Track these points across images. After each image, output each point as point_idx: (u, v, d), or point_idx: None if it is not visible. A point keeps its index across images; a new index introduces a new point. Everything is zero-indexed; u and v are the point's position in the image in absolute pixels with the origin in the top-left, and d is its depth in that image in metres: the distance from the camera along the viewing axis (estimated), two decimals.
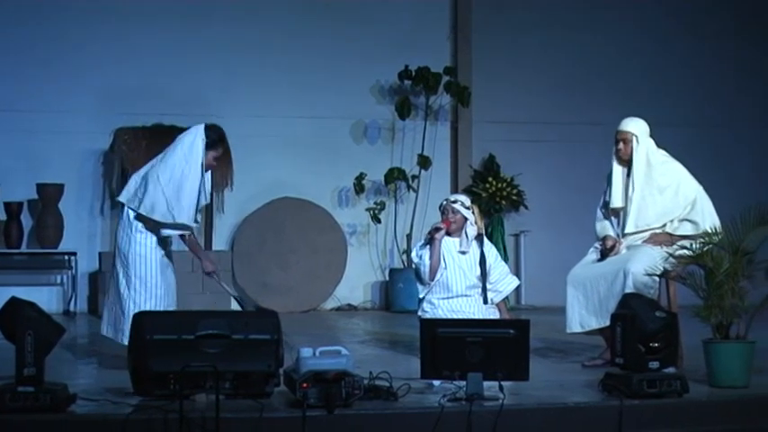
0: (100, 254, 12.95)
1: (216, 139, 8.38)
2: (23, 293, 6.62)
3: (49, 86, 13.16)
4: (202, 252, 8.91)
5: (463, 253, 8.60)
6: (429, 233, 8.68)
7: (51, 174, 13.00)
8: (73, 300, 12.95)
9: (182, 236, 8.38)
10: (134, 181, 8.41)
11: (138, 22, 13.37)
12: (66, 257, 13.08)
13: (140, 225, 8.28)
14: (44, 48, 13.16)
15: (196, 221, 8.42)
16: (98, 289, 12.89)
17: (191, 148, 8.29)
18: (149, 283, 8.25)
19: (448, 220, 8.59)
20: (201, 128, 8.38)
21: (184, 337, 6.28)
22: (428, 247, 8.62)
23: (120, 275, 8.33)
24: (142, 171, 8.43)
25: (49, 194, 12.86)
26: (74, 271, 13.00)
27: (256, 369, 6.36)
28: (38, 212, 12.97)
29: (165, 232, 8.28)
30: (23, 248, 12.96)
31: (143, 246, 8.27)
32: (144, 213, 8.21)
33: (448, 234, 8.63)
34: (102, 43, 13.28)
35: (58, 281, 13.30)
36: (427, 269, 8.54)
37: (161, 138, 12.83)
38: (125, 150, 12.87)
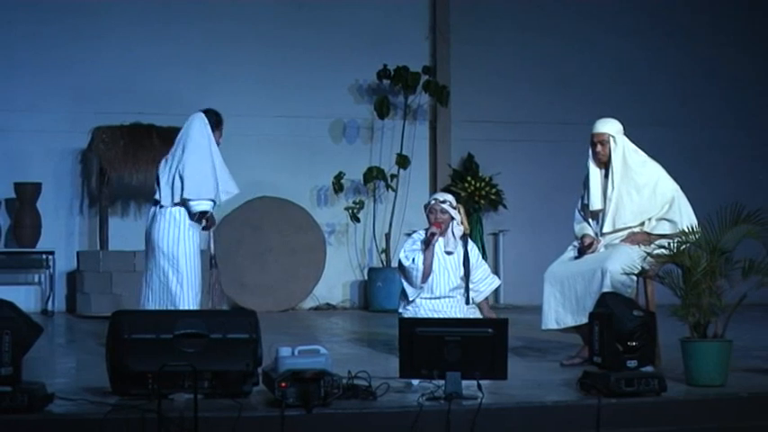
0: (78, 253, 12.92)
1: (217, 120, 8.95)
2: (1, 293, 6.60)
3: (27, 85, 13.13)
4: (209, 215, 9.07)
5: (449, 253, 8.59)
6: (427, 238, 8.55)
7: (29, 173, 12.97)
8: (51, 299, 12.92)
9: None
10: (163, 182, 8.76)
11: (116, 20, 13.36)
12: (44, 257, 13.05)
13: (186, 224, 8.66)
14: (21, 46, 13.12)
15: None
16: (76, 288, 12.87)
17: (201, 131, 8.79)
18: (196, 281, 8.72)
19: (438, 222, 8.54)
20: (201, 114, 8.90)
21: (162, 337, 6.27)
22: (420, 250, 8.57)
23: (171, 275, 8.62)
24: (164, 173, 8.78)
25: (26, 193, 12.82)
26: (51, 270, 12.97)
27: (234, 368, 6.35)
28: (15, 211, 12.93)
29: (201, 207, 8.63)
30: (1, 248, 12.95)
31: (191, 244, 8.70)
32: (193, 197, 8.62)
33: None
34: (79, 42, 13.26)
35: (36, 280, 13.27)
36: (420, 273, 8.50)
37: (139, 136, 12.88)
38: (103, 149, 12.85)
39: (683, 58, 14.90)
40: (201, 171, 8.68)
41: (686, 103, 14.88)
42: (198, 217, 8.71)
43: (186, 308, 8.42)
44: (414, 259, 8.53)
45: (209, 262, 9.40)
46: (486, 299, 8.82)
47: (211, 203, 8.76)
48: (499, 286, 13.86)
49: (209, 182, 8.69)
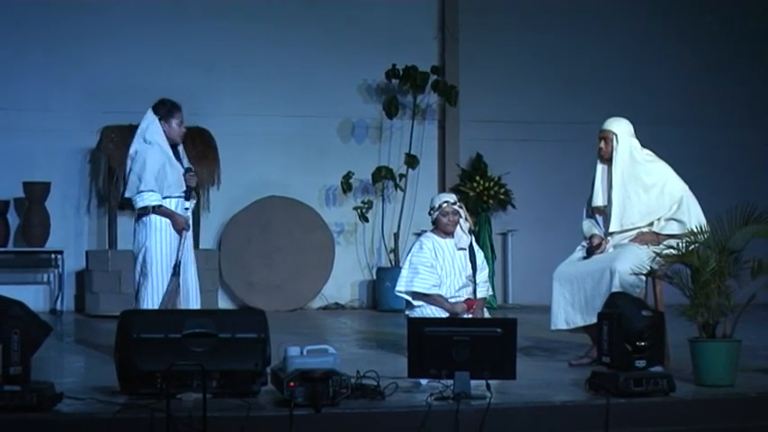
0: (87, 252, 12.93)
1: (166, 110, 8.62)
2: (10, 292, 6.60)
3: (36, 85, 13.14)
4: (174, 215, 8.61)
5: (462, 249, 8.58)
6: (455, 311, 8.37)
7: (38, 172, 12.98)
8: (59, 298, 12.93)
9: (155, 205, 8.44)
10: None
11: (125, 20, 13.36)
12: (53, 256, 13.06)
13: (149, 225, 8.41)
14: (31, 46, 13.14)
15: (189, 198, 8.55)
16: (84, 287, 12.88)
17: (146, 130, 8.57)
18: (160, 284, 8.44)
19: (470, 301, 8.44)
20: (149, 110, 8.66)
21: (171, 336, 6.28)
22: (427, 302, 8.46)
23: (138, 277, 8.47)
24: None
25: (35, 193, 12.83)
26: (60, 269, 12.98)
27: (243, 368, 6.35)
28: (24, 211, 12.94)
29: (141, 203, 8.41)
30: (10, 247, 12.95)
31: (154, 246, 8.43)
32: (128, 195, 8.47)
33: (446, 234, 8.61)
34: (88, 41, 13.27)
35: (45, 279, 13.28)
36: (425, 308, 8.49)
37: None
38: (112, 148, 12.85)
39: (692, 58, 14.87)
40: (134, 170, 8.45)
41: (696, 103, 14.86)
42: (145, 212, 8.44)
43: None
44: (421, 307, 8.44)
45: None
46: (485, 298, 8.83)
47: (152, 197, 8.39)
48: (507, 286, 14.12)
49: (145, 178, 8.39)
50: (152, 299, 8.35)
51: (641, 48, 14.71)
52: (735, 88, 14.95)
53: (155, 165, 8.43)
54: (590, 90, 14.35)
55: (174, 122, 8.60)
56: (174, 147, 8.60)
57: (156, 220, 8.42)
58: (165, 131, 8.56)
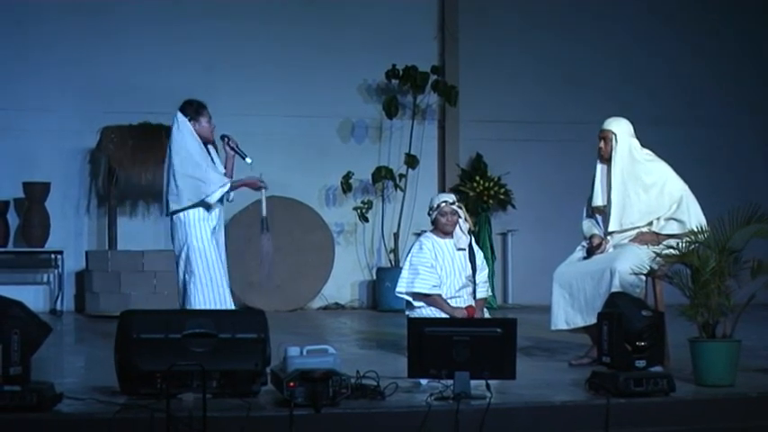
0: (86, 252, 12.93)
1: (194, 110, 8.74)
2: (10, 292, 6.60)
3: (36, 85, 13.14)
4: (244, 181, 9.04)
5: (462, 249, 8.58)
6: (453, 314, 8.36)
7: (38, 172, 12.98)
8: (59, 298, 12.93)
9: (228, 191, 8.70)
10: (164, 192, 8.73)
11: (125, 20, 13.36)
12: (53, 256, 13.07)
13: (190, 222, 8.58)
14: (31, 46, 13.14)
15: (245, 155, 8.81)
16: (84, 288, 12.88)
17: (178, 132, 8.64)
18: (212, 278, 8.64)
19: (470, 308, 8.48)
20: (178, 111, 8.73)
21: (171, 336, 6.27)
22: (427, 303, 8.48)
23: (186, 277, 8.63)
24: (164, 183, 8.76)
25: (35, 193, 12.83)
26: (60, 270, 12.98)
27: (243, 368, 6.35)
28: (24, 211, 12.94)
29: (212, 199, 8.56)
30: (10, 247, 12.95)
31: (200, 243, 8.61)
32: (181, 206, 8.54)
33: (445, 234, 8.61)
34: (88, 41, 13.27)
35: (45, 280, 13.28)
36: (425, 309, 8.50)
37: (147, 136, 12.90)
38: (112, 149, 12.86)
39: (693, 58, 14.87)
40: (185, 174, 8.58)
41: (696, 103, 14.85)
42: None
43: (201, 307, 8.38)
44: (420, 308, 8.46)
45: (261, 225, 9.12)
46: (485, 299, 8.83)
47: (218, 190, 8.62)
48: (507, 286, 14.11)
49: (192, 184, 8.57)
50: (201, 295, 8.51)
51: (642, 47, 14.70)
52: (736, 88, 14.94)
53: (202, 160, 8.60)
54: (590, 90, 14.35)
55: (204, 120, 8.74)
56: (205, 146, 8.77)
57: (193, 216, 8.54)
58: (196, 131, 8.68)
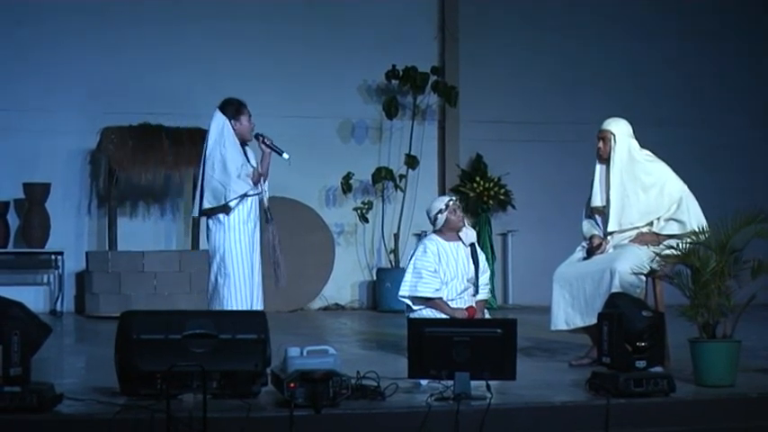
0: (87, 253, 12.92)
1: (234, 109, 8.82)
2: (10, 293, 6.60)
3: (36, 85, 13.13)
4: (263, 166, 9.04)
5: (471, 244, 8.60)
6: (454, 316, 8.38)
7: (38, 173, 12.97)
8: (59, 299, 12.92)
9: (255, 184, 8.78)
10: (197, 194, 8.82)
11: (124, 20, 13.35)
12: (53, 257, 13.06)
13: (226, 225, 8.67)
14: (30, 46, 13.13)
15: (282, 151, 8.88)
16: (84, 288, 12.88)
17: (217, 131, 8.71)
18: (245, 280, 8.75)
19: (472, 308, 8.47)
20: (217, 111, 8.79)
21: (171, 337, 6.28)
22: (428, 306, 8.49)
23: (219, 278, 8.70)
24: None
25: (35, 194, 12.83)
26: (60, 270, 12.97)
27: (243, 369, 6.36)
28: (24, 212, 12.94)
29: (232, 196, 8.62)
30: (10, 248, 12.94)
31: (234, 245, 8.69)
32: (210, 205, 8.61)
33: (456, 231, 8.63)
34: (89, 42, 13.26)
35: (45, 280, 13.28)
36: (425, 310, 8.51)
37: (148, 137, 12.89)
38: (112, 149, 12.86)
39: (695, 58, 14.86)
40: (214, 177, 8.65)
41: (698, 103, 14.85)
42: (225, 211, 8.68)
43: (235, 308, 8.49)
44: (420, 310, 8.46)
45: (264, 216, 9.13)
46: (485, 301, 8.83)
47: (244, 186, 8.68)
48: (507, 286, 14.10)
49: (219, 187, 8.65)
50: (235, 297, 8.58)
51: (643, 47, 14.70)
52: (738, 88, 14.94)
53: (237, 164, 8.63)
54: (591, 90, 14.35)
55: (244, 119, 8.83)
56: (242, 146, 8.82)
57: (232, 219, 8.58)
58: (236, 130, 8.74)
